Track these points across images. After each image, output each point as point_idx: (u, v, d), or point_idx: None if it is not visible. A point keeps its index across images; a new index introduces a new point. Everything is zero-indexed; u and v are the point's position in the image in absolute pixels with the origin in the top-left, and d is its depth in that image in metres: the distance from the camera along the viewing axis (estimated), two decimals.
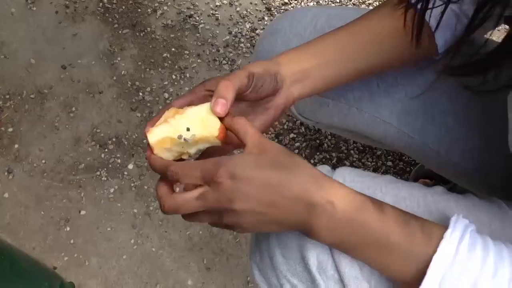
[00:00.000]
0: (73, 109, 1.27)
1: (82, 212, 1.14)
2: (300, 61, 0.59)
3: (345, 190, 0.46)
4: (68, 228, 1.12)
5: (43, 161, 1.20)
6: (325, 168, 0.58)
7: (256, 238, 0.58)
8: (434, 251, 0.42)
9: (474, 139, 0.70)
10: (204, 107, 0.50)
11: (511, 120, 0.52)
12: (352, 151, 1.28)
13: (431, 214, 0.53)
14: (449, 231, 0.42)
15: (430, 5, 0.52)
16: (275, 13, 1.47)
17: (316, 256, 0.50)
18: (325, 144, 1.28)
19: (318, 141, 1.28)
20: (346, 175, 0.56)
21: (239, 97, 0.53)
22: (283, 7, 1.49)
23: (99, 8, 1.42)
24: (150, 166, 0.50)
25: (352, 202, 0.45)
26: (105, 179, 1.19)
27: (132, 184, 1.18)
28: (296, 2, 1.51)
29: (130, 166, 1.21)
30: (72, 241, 1.11)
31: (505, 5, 0.42)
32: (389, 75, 0.73)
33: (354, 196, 0.46)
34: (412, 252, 0.43)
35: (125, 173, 1.20)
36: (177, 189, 0.50)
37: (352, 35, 0.62)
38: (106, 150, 1.22)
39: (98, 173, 1.19)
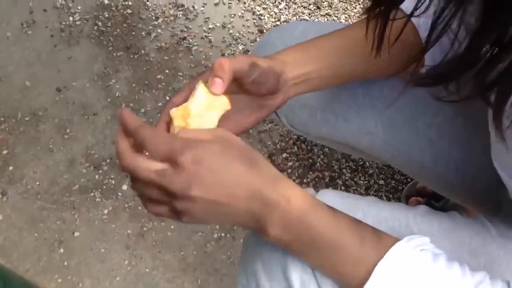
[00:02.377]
0: (68, 131, 1.28)
1: (76, 234, 1.14)
2: (303, 64, 0.59)
3: (302, 191, 0.47)
4: (61, 250, 1.12)
5: (37, 183, 1.20)
6: (309, 191, 0.59)
7: (243, 263, 0.58)
8: (383, 256, 0.43)
9: (458, 152, 0.72)
10: (200, 92, 0.51)
11: (492, 136, 0.53)
12: (344, 170, 1.29)
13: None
14: (402, 241, 0.44)
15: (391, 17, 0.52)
16: None
17: (299, 276, 0.51)
18: (318, 164, 1.29)
19: (310, 161, 1.29)
20: (328, 198, 0.57)
21: (239, 85, 0.53)
22: None
23: (94, 31, 1.45)
24: (120, 120, 0.47)
25: (307, 202, 0.46)
26: (99, 200, 1.19)
27: (126, 205, 1.19)
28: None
29: (124, 187, 1.21)
30: (65, 263, 1.11)
31: (462, 19, 0.43)
32: (375, 86, 0.74)
33: (311, 198, 0.47)
34: (361, 254, 0.44)
35: (119, 194, 1.20)
36: None
37: (348, 39, 0.63)
38: (100, 171, 1.23)
39: (92, 194, 1.20)
